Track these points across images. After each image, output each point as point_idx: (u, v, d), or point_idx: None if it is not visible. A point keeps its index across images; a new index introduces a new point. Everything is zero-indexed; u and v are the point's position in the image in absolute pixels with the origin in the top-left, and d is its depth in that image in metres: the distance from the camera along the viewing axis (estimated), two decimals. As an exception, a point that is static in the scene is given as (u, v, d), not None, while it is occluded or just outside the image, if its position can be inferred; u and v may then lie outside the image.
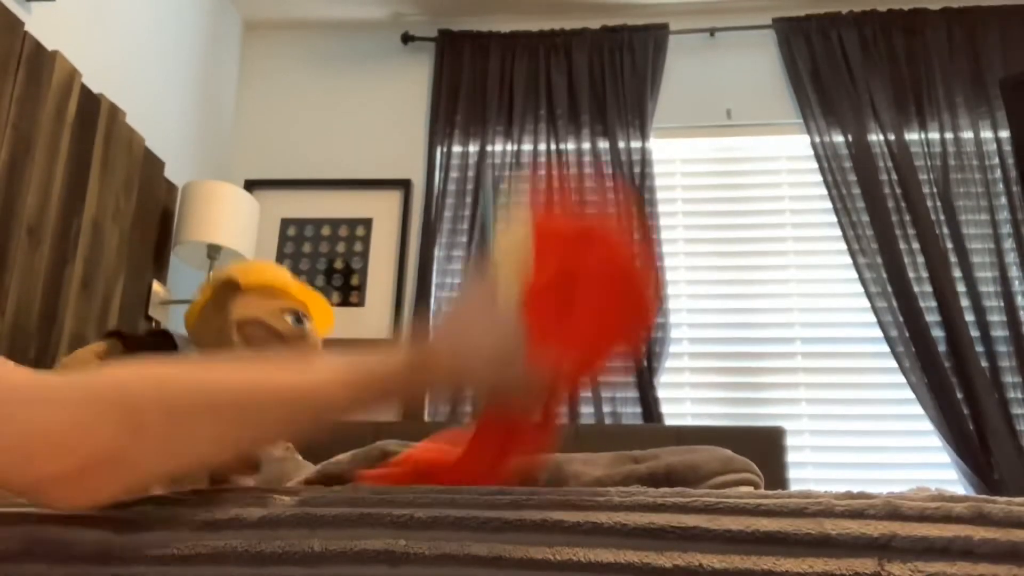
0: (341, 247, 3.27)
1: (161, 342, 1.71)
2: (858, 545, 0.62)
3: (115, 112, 2.52)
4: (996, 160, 3.06)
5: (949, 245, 2.97)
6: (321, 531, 0.64)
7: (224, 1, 3.47)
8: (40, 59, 2.19)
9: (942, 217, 3.00)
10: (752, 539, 0.62)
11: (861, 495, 0.66)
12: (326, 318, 1.89)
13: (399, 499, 0.67)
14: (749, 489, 1.27)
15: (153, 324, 2.73)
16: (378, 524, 0.64)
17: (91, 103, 2.41)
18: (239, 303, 1.72)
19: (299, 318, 1.73)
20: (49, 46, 2.30)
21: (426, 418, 2.97)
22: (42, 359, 2.14)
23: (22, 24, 2.12)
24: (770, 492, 0.68)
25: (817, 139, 3.14)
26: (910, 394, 2.85)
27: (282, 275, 1.81)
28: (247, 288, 1.74)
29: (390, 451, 2.25)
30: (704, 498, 0.65)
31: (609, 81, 3.29)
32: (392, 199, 3.33)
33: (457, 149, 3.30)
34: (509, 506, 0.67)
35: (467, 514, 0.65)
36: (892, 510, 0.63)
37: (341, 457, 1.94)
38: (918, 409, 2.83)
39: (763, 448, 2.51)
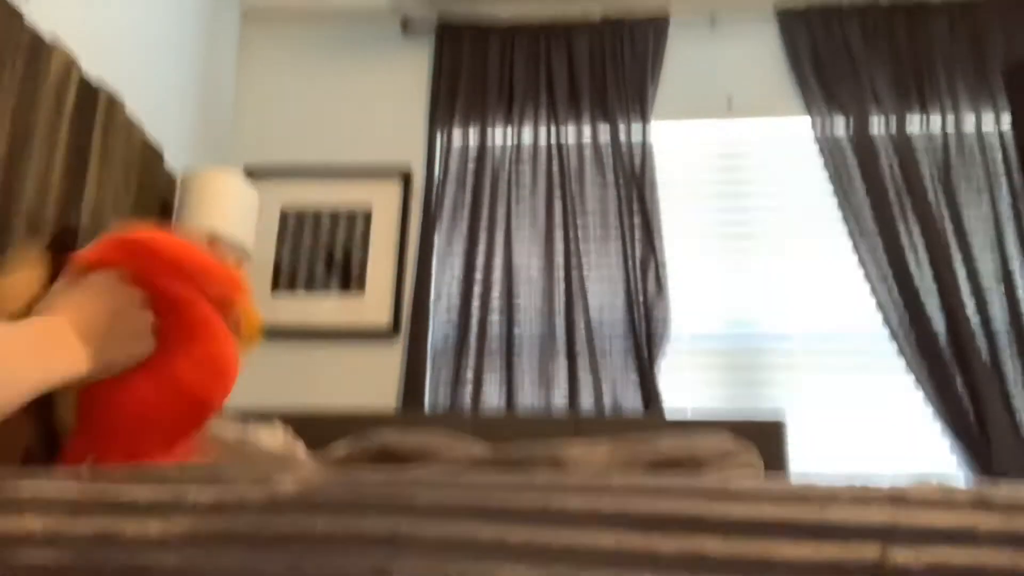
0: (341, 236, 3.27)
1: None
2: (861, 532, 0.62)
3: (114, 102, 2.51)
4: (998, 148, 3.05)
5: (950, 234, 2.96)
6: (324, 514, 0.64)
7: (223, -10, 3.46)
8: (38, 49, 2.18)
9: (943, 206, 3.00)
10: (755, 526, 0.62)
11: (864, 483, 0.66)
12: None
13: (402, 483, 0.67)
14: (749, 475, 1.27)
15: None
16: (381, 508, 0.64)
17: (90, 93, 2.40)
18: None
19: None
20: (47, 36, 2.29)
21: (426, 407, 2.97)
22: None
23: (20, 14, 2.11)
24: (773, 479, 0.68)
25: (819, 128, 3.13)
26: (911, 383, 2.85)
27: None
28: None
29: (388, 442, 2.25)
30: (706, 485, 0.65)
31: (610, 70, 3.28)
32: (392, 188, 3.32)
33: (457, 138, 3.29)
34: (510, 491, 0.67)
35: (468, 499, 0.65)
36: (895, 497, 0.63)
37: (340, 447, 1.94)
38: (919, 399, 2.83)
39: (763, 437, 2.51)
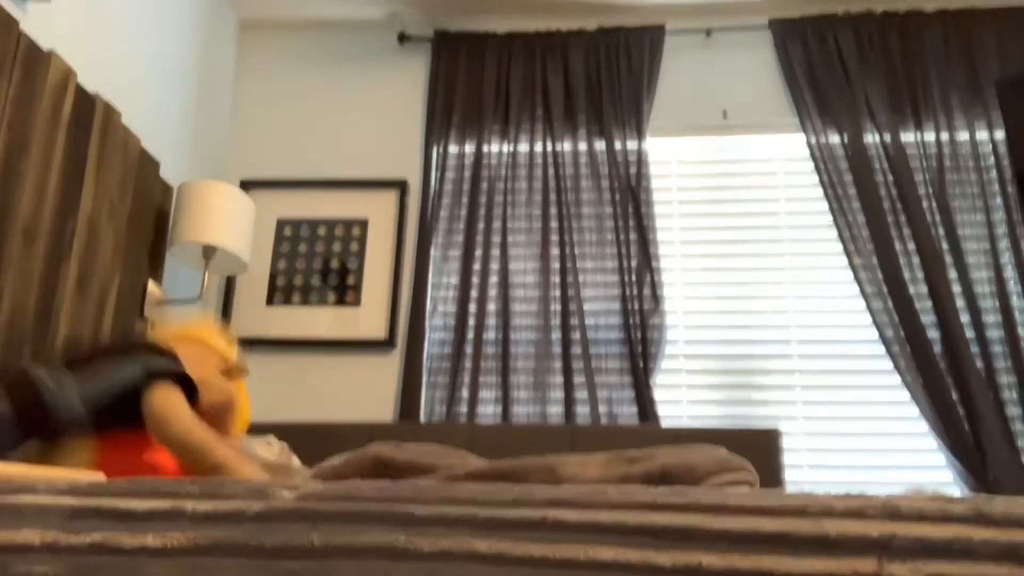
0: (337, 247, 3.27)
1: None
2: (858, 545, 0.62)
3: (110, 112, 2.51)
4: (991, 161, 3.07)
5: (945, 246, 2.98)
6: (322, 525, 0.64)
7: (220, 0, 3.46)
8: (35, 59, 2.18)
9: (938, 218, 3.01)
10: (752, 539, 0.62)
11: (860, 496, 0.66)
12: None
13: (399, 495, 0.67)
14: (746, 489, 1.27)
15: (148, 323, 2.72)
16: (378, 520, 0.64)
17: (86, 103, 2.40)
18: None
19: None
20: (44, 46, 2.29)
21: (421, 419, 2.97)
22: (37, 360, 2.13)
23: (17, 23, 2.11)
24: (770, 492, 0.68)
25: (813, 140, 3.15)
26: (905, 395, 2.86)
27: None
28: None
29: (383, 453, 2.24)
30: (703, 498, 0.65)
31: (605, 82, 3.29)
32: (388, 199, 3.33)
33: (453, 149, 3.30)
34: (509, 504, 0.67)
35: (467, 511, 0.65)
36: (891, 510, 0.63)
37: (334, 460, 1.94)
38: (913, 410, 2.84)
39: (759, 449, 2.51)
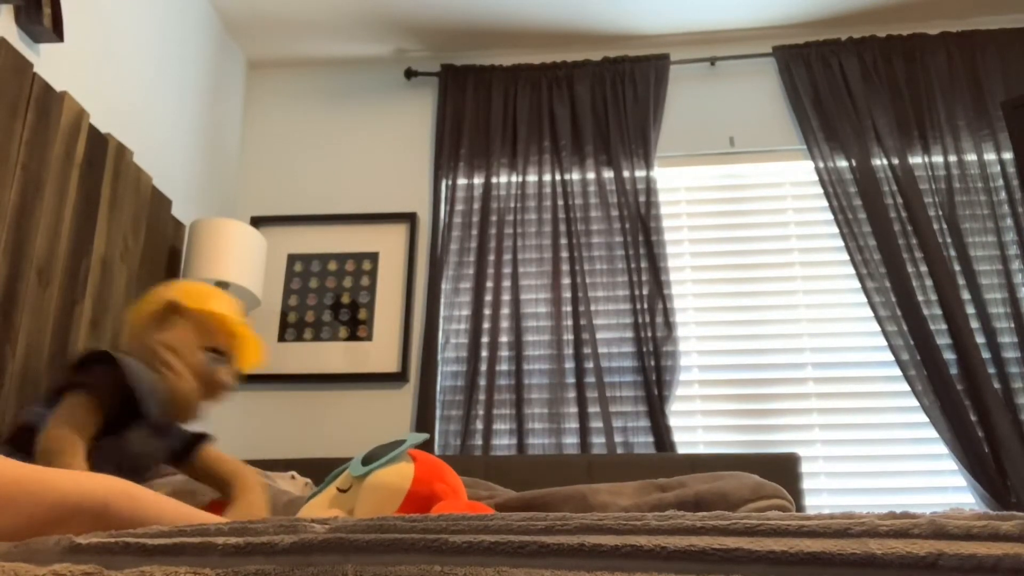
0: (348, 282, 3.27)
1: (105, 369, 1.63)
2: (904, 564, 0.60)
3: (123, 152, 2.53)
4: (1000, 181, 3.06)
5: (957, 267, 2.96)
6: (354, 556, 0.63)
7: (228, 40, 3.50)
8: (49, 100, 2.20)
9: (949, 240, 3.00)
10: (796, 560, 0.61)
11: (905, 515, 0.65)
12: (253, 357, 1.88)
13: (432, 525, 0.66)
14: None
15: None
16: (412, 549, 0.63)
17: (99, 143, 2.41)
18: (172, 326, 1.74)
19: (216, 358, 1.73)
20: (57, 87, 2.31)
21: (436, 452, 2.95)
22: (52, 399, 2.12)
23: (31, 65, 2.13)
24: (812, 514, 0.66)
25: (821, 164, 3.15)
26: (923, 417, 2.83)
27: (224, 307, 1.80)
28: (186, 313, 1.76)
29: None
30: (745, 521, 0.64)
31: (612, 112, 3.31)
32: (398, 233, 3.33)
33: (462, 182, 3.31)
34: (544, 531, 0.66)
35: (502, 539, 0.64)
36: (937, 529, 0.62)
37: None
38: (932, 432, 2.81)
39: (778, 474, 2.48)
